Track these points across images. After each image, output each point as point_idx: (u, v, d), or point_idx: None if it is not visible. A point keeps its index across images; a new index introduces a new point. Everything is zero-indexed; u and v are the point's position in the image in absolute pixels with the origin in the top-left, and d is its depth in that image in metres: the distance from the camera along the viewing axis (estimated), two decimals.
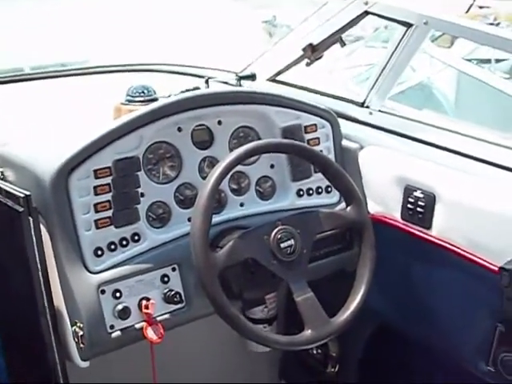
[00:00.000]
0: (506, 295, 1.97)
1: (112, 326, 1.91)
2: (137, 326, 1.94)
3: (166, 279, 2.00)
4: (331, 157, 2.35)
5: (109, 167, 1.92)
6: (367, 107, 2.53)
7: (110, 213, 1.93)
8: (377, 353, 2.65)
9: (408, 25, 2.37)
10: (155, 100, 2.29)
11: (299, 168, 2.29)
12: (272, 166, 2.27)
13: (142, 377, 2.06)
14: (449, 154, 2.25)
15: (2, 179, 1.99)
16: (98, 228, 1.91)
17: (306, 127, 2.32)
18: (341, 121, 2.42)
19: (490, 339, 2.08)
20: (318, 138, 2.35)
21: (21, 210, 1.77)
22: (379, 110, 2.51)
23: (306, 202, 2.31)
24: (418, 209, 2.20)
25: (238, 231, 2.01)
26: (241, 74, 2.78)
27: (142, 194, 2.00)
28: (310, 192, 2.32)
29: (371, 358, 2.69)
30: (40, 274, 1.82)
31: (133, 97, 2.32)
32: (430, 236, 2.19)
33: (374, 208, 2.34)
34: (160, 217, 2.06)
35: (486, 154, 2.18)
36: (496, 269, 1.99)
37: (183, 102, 2.09)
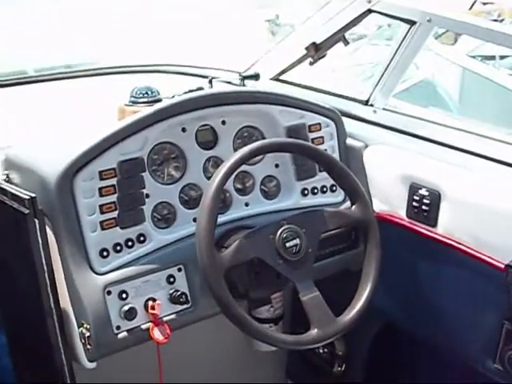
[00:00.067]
0: None
1: (118, 327, 1.91)
2: (143, 326, 1.94)
3: (171, 280, 2.00)
4: (336, 156, 2.35)
5: (114, 168, 1.93)
6: (371, 105, 2.53)
7: (115, 214, 1.93)
8: (383, 352, 2.65)
9: (411, 22, 2.37)
10: (159, 101, 2.30)
11: (304, 167, 2.29)
12: (277, 166, 2.28)
13: (149, 377, 2.06)
14: (454, 152, 2.25)
15: (7, 182, 1.99)
16: (103, 229, 1.92)
17: (310, 126, 2.32)
18: (345, 119, 2.42)
19: (496, 337, 2.07)
20: (323, 137, 2.35)
21: (26, 212, 1.77)
22: (383, 108, 2.51)
23: (310, 201, 2.31)
24: (424, 207, 2.19)
25: (244, 231, 2.01)
26: (244, 74, 2.78)
27: (147, 195, 2.00)
28: (315, 191, 2.32)
29: (377, 357, 2.69)
30: (46, 275, 1.82)
31: (137, 98, 2.33)
32: (436, 234, 2.19)
33: (379, 206, 2.34)
34: (165, 217, 2.06)
35: (491, 151, 2.18)
36: (502, 266, 1.99)
37: (187, 103, 2.09)
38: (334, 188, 2.35)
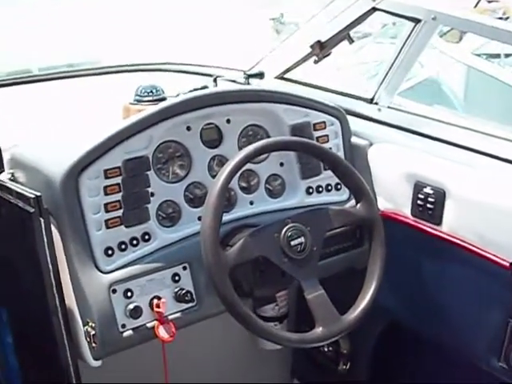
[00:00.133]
0: None
1: (124, 325, 1.91)
2: (148, 324, 1.94)
3: (176, 278, 2.00)
4: (340, 154, 2.35)
5: (119, 167, 1.93)
6: (376, 104, 2.53)
7: (120, 212, 1.94)
8: (388, 350, 2.65)
9: (416, 20, 2.37)
10: (164, 99, 2.31)
11: (308, 166, 2.29)
12: (281, 164, 2.28)
13: (154, 375, 2.07)
14: (458, 150, 2.25)
15: (12, 180, 1.99)
16: (108, 228, 1.92)
17: (314, 125, 2.32)
18: (350, 118, 2.42)
19: (501, 336, 2.07)
20: (327, 136, 2.35)
21: (32, 210, 1.77)
22: (388, 107, 2.51)
23: (315, 199, 2.31)
24: (428, 205, 2.19)
25: (248, 229, 2.01)
26: (249, 73, 2.78)
27: (152, 194, 2.00)
28: (320, 189, 2.33)
29: (382, 356, 2.69)
30: (51, 274, 1.82)
31: (141, 96, 2.34)
32: (441, 232, 2.18)
33: (383, 205, 2.34)
34: (170, 216, 2.06)
35: (496, 149, 2.18)
36: (507, 264, 1.99)
37: (192, 101, 2.09)
38: (339, 186, 2.35)
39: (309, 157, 2.19)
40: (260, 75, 2.77)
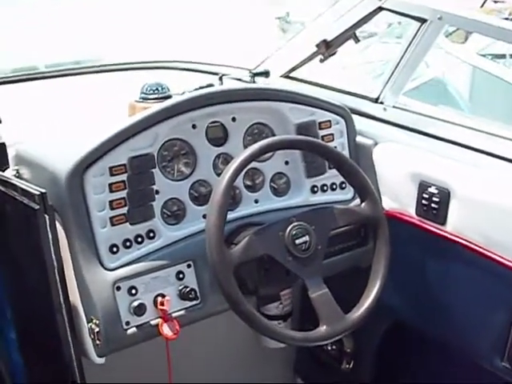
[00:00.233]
0: None
1: (128, 323, 1.92)
2: (152, 322, 1.94)
3: (181, 276, 2.00)
4: (345, 153, 2.35)
5: (124, 164, 1.93)
6: (381, 103, 2.53)
7: (125, 210, 1.94)
8: (392, 349, 2.65)
9: (422, 20, 2.37)
10: (169, 97, 2.31)
11: (314, 164, 2.29)
12: (286, 163, 2.28)
13: (157, 372, 2.07)
14: (463, 150, 2.25)
15: (17, 177, 2.00)
16: (113, 225, 1.92)
17: (320, 123, 2.32)
18: (355, 117, 2.42)
19: (505, 336, 2.07)
20: (332, 135, 2.35)
21: (36, 207, 1.77)
22: (393, 106, 2.51)
23: (320, 198, 2.31)
24: (433, 205, 2.19)
25: (253, 228, 2.01)
26: (254, 71, 2.78)
27: (157, 191, 2.00)
28: (325, 188, 2.33)
29: (386, 355, 2.69)
30: (56, 271, 1.83)
31: (147, 94, 2.34)
32: (445, 232, 2.18)
33: (388, 204, 2.34)
34: (175, 214, 2.06)
35: (501, 149, 2.18)
36: (511, 265, 1.99)
37: (197, 99, 2.09)
38: (344, 185, 2.35)
39: (314, 155, 2.20)
40: (266, 74, 2.77)
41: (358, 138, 2.41)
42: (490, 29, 2.28)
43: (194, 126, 2.09)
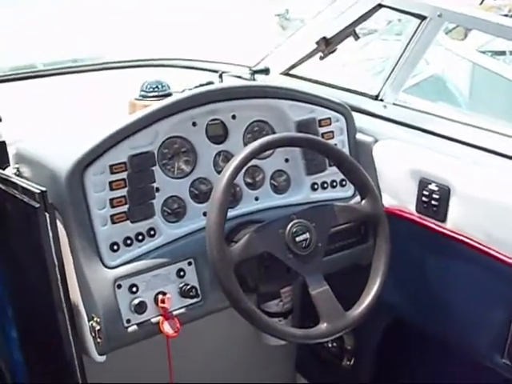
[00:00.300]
0: None
1: (128, 321, 1.92)
2: (153, 320, 1.95)
3: (181, 273, 2.01)
4: (345, 150, 2.35)
5: (124, 162, 1.93)
6: (381, 100, 2.53)
7: (125, 208, 1.94)
8: (392, 346, 2.65)
9: (422, 17, 2.37)
10: (169, 95, 2.31)
11: (314, 162, 2.29)
12: (286, 160, 2.28)
13: (158, 370, 2.07)
14: (463, 147, 2.25)
15: (18, 175, 2.00)
16: (113, 223, 1.92)
17: (320, 121, 2.32)
18: (355, 114, 2.42)
19: (505, 333, 2.07)
20: (332, 132, 2.35)
21: (37, 205, 1.77)
22: (393, 103, 2.51)
23: (320, 195, 2.31)
24: (433, 202, 2.19)
25: (253, 225, 2.01)
26: (254, 68, 2.78)
27: (158, 189, 2.01)
28: (325, 186, 2.33)
29: (386, 352, 2.69)
30: (57, 269, 1.83)
31: (147, 92, 2.34)
32: (445, 229, 2.18)
33: (388, 201, 2.34)
34: (175, 211, 2.06)
35: (501, 146, 2.18)
36: (511, 262, 1.99)
37: (197, 97, 2.09)
38: (344, 183, 2.35)
39: (314, 153, 2.20)
40: (265, 71, 2.77)
41: (358, 136, 2.41)
42: (489, 26, 2.28)
43: (194, 124, 2.09)
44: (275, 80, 2.79)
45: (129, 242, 1.95)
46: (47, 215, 1.78)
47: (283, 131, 2.22)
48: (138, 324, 1.93)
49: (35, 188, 1.80)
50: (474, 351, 2.23)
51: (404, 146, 2.34)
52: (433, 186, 2.19)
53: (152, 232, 1.99)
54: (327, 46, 2.63)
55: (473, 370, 2.28)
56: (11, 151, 2.07)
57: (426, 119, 2.41)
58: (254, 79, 2.74)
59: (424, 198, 2.22)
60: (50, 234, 1.80)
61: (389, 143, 2.37)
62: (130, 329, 1.92)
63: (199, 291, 2.03)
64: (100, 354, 1.91)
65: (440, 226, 2.20)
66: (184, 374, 2.19)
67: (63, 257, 1.84)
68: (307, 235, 1.96)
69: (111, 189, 1.92)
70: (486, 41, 4.34)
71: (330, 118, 2.34)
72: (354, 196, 2.34)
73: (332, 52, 2.67)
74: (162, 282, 1.97)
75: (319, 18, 2.69)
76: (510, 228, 2.02)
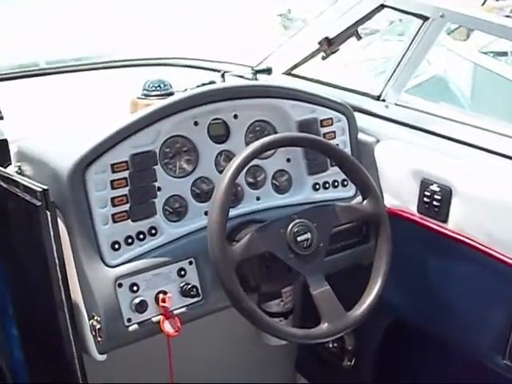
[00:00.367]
0: None
1: (129, 320, 1.92)
2: (154, 319, 1.95)
3: (182, 273, 2.01)
4: (347, 150, 2.35)
5: (126, 161, 1.93)
6: (383, 101, 2.53)
7: (127, 207, 1.94)
8: (393, 347, 2.65)
9: (424, 18, 2.36)
10: (171, 94, 2.31)
11: (315, 162, 2.29)
12: (288, 160, 2.28)
13: (159, 368, 2.07)
14: (465, 148, 2.25)
15: (19, 173, 2.00)
16: (115, 222, 1.92)
17: (321, 121, 2.32)
18: (357, 114, 2.42)
19: (506, 333, 2.07)
20: (334, 132, 2.35)
21: (38, 204, 1.77)
22: (395, 104, 2.51)
23: (322, 195, 2.31)
24: (435, 202, 2.19)
25: (255, 225, 2.01)
26: (256, 68, 2.78)
27: (159, 188, 2.00)
28: (326, 186, 2.33)
29: (387, 352, 2.69)
30: (57, 267, 1.83)
31: (149, 91, 2.34)
32: (447, 230, 2.18)
33: (390, 202, 2.34)
34: (177, 211, 2.06)
35: (503, 147, 2.17)
36: None
37: (199, 96, 2.09)
38: (346, 183, 2.35)
39: (315, 153, 2.20)
40: (268, 71, 2.76)
41: (360, 136, 2.41)
42: (491, 26, 2.28)
43: (195, 123, 2.09)
44: (277, 80, 2.79)
45: (130, 240, 1.94)
46: (48, 213, 1.78)
47: (285, 131, 2.22)
48: (138, 323, 1.93)
49: (37, 186, 1.80)
50: (475, 352, 2.23)
51: (406, 147, 2.34)
52: (434, 187, 2.18)
53: (153, 231, 1.99)
54: (329, 46, 2.63)
55: (474, 371, 2.28)
56: (13, 149, 2.07)
57: (427, 120, 2.41)
58: (256, 79, 2.74)
59: (425, 199, 2.22)
60: (52, 233, 1.80)
61: (390, 143, 2.37)
62: (130, 328, 1.92)
63: (200, 290, 2.03)
64: (100, 353, 1.91)
65: (441, 227, 2.19)
66: (184, 374, 2.19)
67: (64, 255, 1.84)
68: (308, 235, 1.96)
69: (113, 187, 1.91)
70: (489, 41, 4.34)
71: (331, 118, 2.34)
72: (355, 196, 2.34)
73: (334, 52, 2.67)
74: (162, 281, 1.97)
75: (321, 18, 2.69)
76: (511, 229, 2.02)
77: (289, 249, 1.94)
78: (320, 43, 2.65)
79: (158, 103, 2.03)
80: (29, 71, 2.94)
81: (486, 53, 4.28)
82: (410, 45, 2.42)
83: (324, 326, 1.93)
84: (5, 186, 1.94)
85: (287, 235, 1.94)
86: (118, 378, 2.41)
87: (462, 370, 2.39)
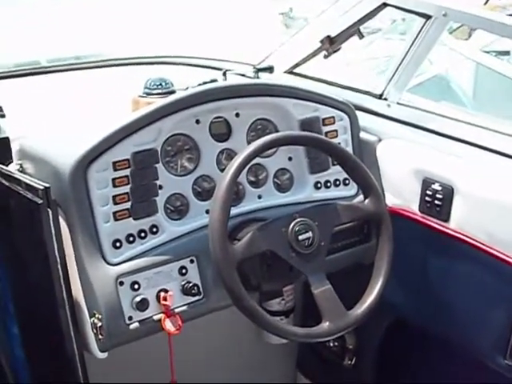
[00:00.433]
0: None
1: (130, 318, 1.92)
2: (155, 317, 1.95)
3: (183, 271, 2.01)
4: (349, 149, 2.34)
5: (127, 159, 1.93)
6: (385, 99, 2.53)
7: (128, 205, 1.94)
8: (393, 346, 2.65)
9: (427, 16, 2.36)
10: (173, 92, 2.31)
11: (317, 160, 2.29)
12: (290, 159, 2.27)
13: (159, 366, 2.07)
14: (467, 147, 2.24)
15: (21, 172, 2.00)
16: (116, 220, 1.92)
17: (323, 120, 2.32)
18: (359, 113, 2.42)
19: (507, 333, 2.07)
20: (336, 131, 2.35)
21: (40, 202, 1.77)
22: (397, 103, 2.51)
23: (323, 194, 2.31)
24: (436, 201, 2.19)
25: (256, 223, 2.00)
26: (258, 67, 2.78)
27: (160, 186, 2.00)
28: (328, 184, 2.32)
29: (388, 351, 2.69)
30: (59, 265, 1.83)
31: (150, 89, 2.34)
32: (448, 229, 2.18)
33: (391, 201, 2.34)
34: (178, 209, 2.06)
35: (505, 146, 2.17)
36: None
37: (201, 95, 2.09)
38: (347, 181, 2.34)
39: (317, 151, 2.20)
40: (269, 69, 2.76)
41: (362, 135, 2.41)
42: (494, 25, 2.28)
43: (197, 122, 2.09)
44: (279, 78, 2.78)
45: (131, 238, 1.94)
46: (50, 212, 1.78)
47: (287, 130, 2.22)
48: (139, 321, 1.93)
49: (38, 184, 1.80)
50: (476, 352, 2.23)
51: (408, 146, 2.33)
52: (436, 186, 2.18)
53: (154, 229, 1.99)
54: (331, 44, 2.63)
55: (475, 371, 2.28)
56: (14, 147, 2.06)
57: (429, 119, 2.41)
58: (257, 77, 2.74)
59: (427, 198, 2.22)
60: (53, 231, 1.80)
61: (392, 142, 2.37)
62: (131, 326, 1.92)
63: (201, 289, 2.03)
64: (101, 351, 1.91)
65: (443, 226, 2.19)
66: (185, 372, 2.18)
67: (65, 253, 1.84)
68: (310, 234, 1.96)
69: (114, 185, 1.91)
70: (491, 41, 4.33)
71: (333, 117, 2.34)
72: (357, 195, 2.34)
73: (336, 51, 2.67)
74: (164, 280, 1.97)
75: (323, 16, 2.69)
76: None
77: (290, 247, 1.94)
78: (322, 42, 2.65)
79: (159, 101, 2.03)
80: (30, 69, 2.93)
81: (488, 52, 4.27)
82: (413, 43, 2.42)
83: (325, 324, 1.93)
84: (6, 183, 1.94)
85: (289, 234, 1.94)
86: (118, 376, 2.40)
87: (462, 370, 2.39)
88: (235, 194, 2.13)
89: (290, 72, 2.85)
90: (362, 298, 2.01)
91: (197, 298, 2.02)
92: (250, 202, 2.19)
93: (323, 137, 2.23)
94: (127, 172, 1.93)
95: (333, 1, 2.63)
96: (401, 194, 2.32)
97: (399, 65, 2.47)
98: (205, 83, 2.31)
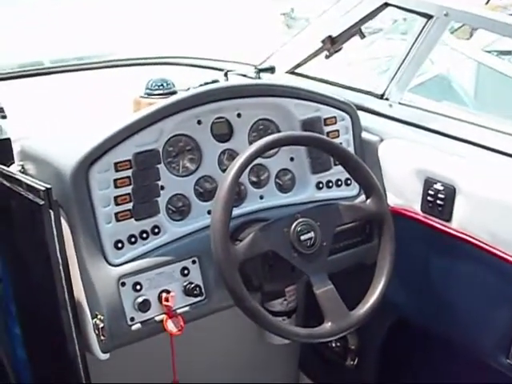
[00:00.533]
0: None
1: (132, 319, 1.92)
2: (157, 318, 1.95)
3: (185, 272, 2.00)
4: (351, 149, 2.34)
5: (129, 160, 1.93)
6: (387, 99, 2.53)
7: (130, 205, 1.94)
8: (396, 346, 2.65)
9: (428, 16, 2.36)
10: (174, 93, 2.31)
11: (319, 160, 2.29)
12: (292, 159, 2.27)
13: (162, 367, 2.07)
14: (469, 147, 2.24)
15: (22, 172, 2.00)
16: (118, 221, 1.92)
17: (325, 120, 2.31)
18: (360, 113, 2.42)
19: (509, 333, 2.07)
20: (338, 131, 2.35)
21: (41, 203, 1.77)
22: (399, 103, 2.51)
23: (325, 194, 2.31)
24: (438, 201, 2.19)
25: (258, 224, 2.00)
26: (260, 67, 2.78)
27: (162, 187, 2.00)
28: (330, 184, 2.32)
29: (390, 352, 2.68)
30: (61, 266, 1.82)
31: (152, 90, 2.34)
32: (450, 229, 2.18)
33: (393, 200, 2.34)
34: (180, 209, 2.06)
35: (506, 146, 2.17)
36: None
37: (202, 95, 2.09)
38: (349, 182, 2.34)
39: (319, 152, 2.20)
40: (271, 70, 2.77)
41: (364, 135, 2.41)
42: (495, 25, 2.28)
43: (199, 122, 2.09)
44: (280, 78, 2.78)
45: (133, 239, 1.94)
46: (52, 212, 1.78)
47: (288, 130, 2.22)
48: (141, 322, 1.93)
49: (40, 185, 1.80)
50: (478, 351, 2.23)
51: (409, 146, 2.33)
52: (438, 186, 2.18)
53: (156, 230, 1.98)
54: (333, 44, 2.63)
55: (477, 370, 2.28)
56: (16, 148, 2.07)
57: (431, 118, 2.41)
58: (259, 78, 2.74)
59: (429, 198, 2.21)
60: (55, 232, 1.79)
61: (394, 142, 2.37)
62: (133, 327, 1.92)
63: (203, 290, 2.02)
64: (103, 352, 1.91)
65: (445, 226, 2.19)
66: (188, 373, 2.18)
67: (67, 254, 1.84)
68: (312, 234, 1.96)
69: (116, 186, 1.91)
70: (492, 40, 4.33)
71: (335, 117, 2.34)
72: (358, 195, 2.34)
73: (337, 51, 2.67)
74: (166, 280, 1.97)
75: (325, 16, 2.69)
76: None
77: (292, 248, 1.94)
78: (323, 42, 2.65)
79: (160, 102, 2.03)
80: (32, 70, 2.94)
81: (489, 51, 4.27)
82: (414, 43, 2.42)
83: (327, 325, 1.93)
84: (8, 184, 1.94)
85: (290, 234, 1.94)
86: (120, 377, 2.40)
87: (465, 370, 2.39)
88: (237, 195, 2.13)
89: (292, 72, 2.85)
90: (364, 299, 2.01)
91: (199, 298, 2.02)
92: (252, 202, 2.19)
93: (325, 137, 2.23)
94: (129, 173, 1.93)
95: (334, 1, 2.62)
96: (403, 193, 2.32)
97: (400, 65, 2.47)
98: (206, 84, 2.31)
